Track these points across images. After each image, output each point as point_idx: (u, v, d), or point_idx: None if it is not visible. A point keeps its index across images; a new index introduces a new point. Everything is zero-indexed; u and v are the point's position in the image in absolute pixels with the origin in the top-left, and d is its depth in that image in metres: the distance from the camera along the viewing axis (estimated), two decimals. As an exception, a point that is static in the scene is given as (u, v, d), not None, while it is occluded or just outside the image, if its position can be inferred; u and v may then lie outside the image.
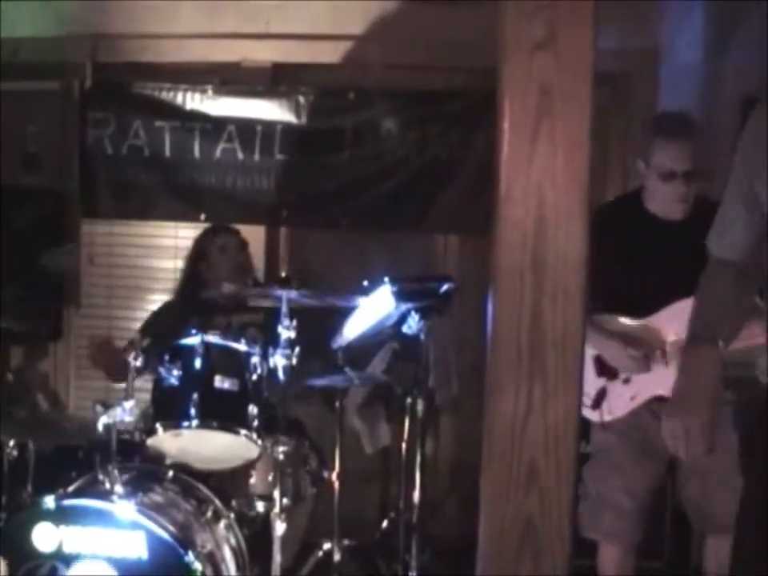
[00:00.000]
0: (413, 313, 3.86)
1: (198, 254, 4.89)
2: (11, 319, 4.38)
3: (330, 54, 5.20)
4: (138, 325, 5.27)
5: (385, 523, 4.69)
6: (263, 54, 5.25)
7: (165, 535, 3.32)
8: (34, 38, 5.34)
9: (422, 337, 3.85)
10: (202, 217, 5.35)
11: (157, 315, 4.89)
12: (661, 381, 3.40)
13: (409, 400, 4.14)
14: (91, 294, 5.67)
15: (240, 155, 5.30)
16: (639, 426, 3.60)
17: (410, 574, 3.70)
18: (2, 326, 4.31)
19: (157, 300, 5.42)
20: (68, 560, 3.35)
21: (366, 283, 3.88)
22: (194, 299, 4.72)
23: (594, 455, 3.76)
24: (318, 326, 4.10)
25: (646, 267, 3.59)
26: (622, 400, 3.64)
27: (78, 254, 5.59)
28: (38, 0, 5.33)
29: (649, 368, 3.55)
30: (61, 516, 3.36)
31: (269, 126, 5.25)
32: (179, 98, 5.30)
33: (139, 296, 5.63)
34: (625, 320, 3.63)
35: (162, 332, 4.36)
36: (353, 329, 4.04)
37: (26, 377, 5.54)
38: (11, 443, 3.81)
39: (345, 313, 4.01)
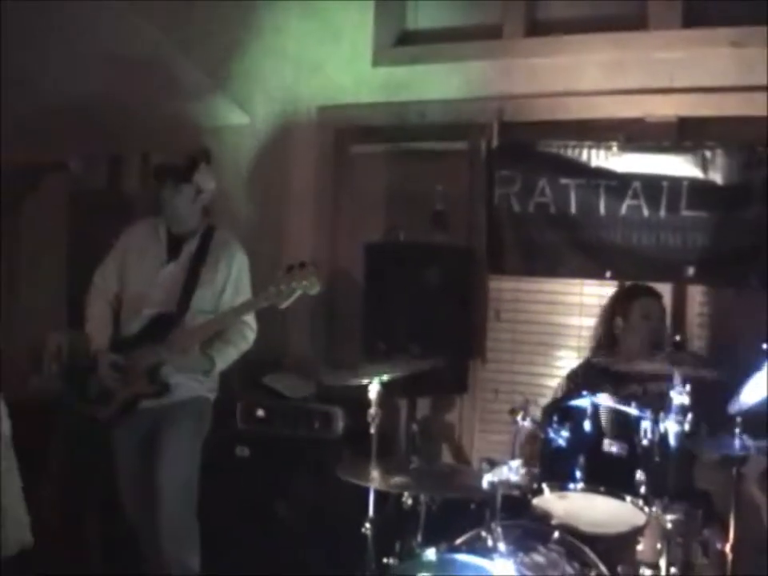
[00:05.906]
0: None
1: (614, 314, 4.86)
2: (419, 372, 4.52)
3: (736, 106, 4.98)
4: (541, 380, 5.33)
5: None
6: (668, 108, 5.15)
7: (541, 597, 3.30)
8: (442, 100, 5.60)
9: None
10: (608, 274, 5.30)
11: (570, 379, 4.89)
12: None
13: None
14: (496, 349, 5.75)
15: (645, 212, 5.19)
16: None
17: None
18: (409, 378, 4.44)
19: (561, 357, 5.44)
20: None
21: (765, 346, 3.71)
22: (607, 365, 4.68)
23: None
24: (714, 390, 3.95)
25: None
26: None
27: (485, 309, 5.70)
28: (445, 64, 5.56)
29: None
30: (441, 568, 3.43)
31: (675, 181, 5.10)
32: (584, 156, 5.28)
33: (544, 352, 5.65)
34: None
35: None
36: (751, 394, 3.85)
37: (431, 428, 5.70)
38: (405, 493, 3.94)
39: (744, 376, 3.84)
